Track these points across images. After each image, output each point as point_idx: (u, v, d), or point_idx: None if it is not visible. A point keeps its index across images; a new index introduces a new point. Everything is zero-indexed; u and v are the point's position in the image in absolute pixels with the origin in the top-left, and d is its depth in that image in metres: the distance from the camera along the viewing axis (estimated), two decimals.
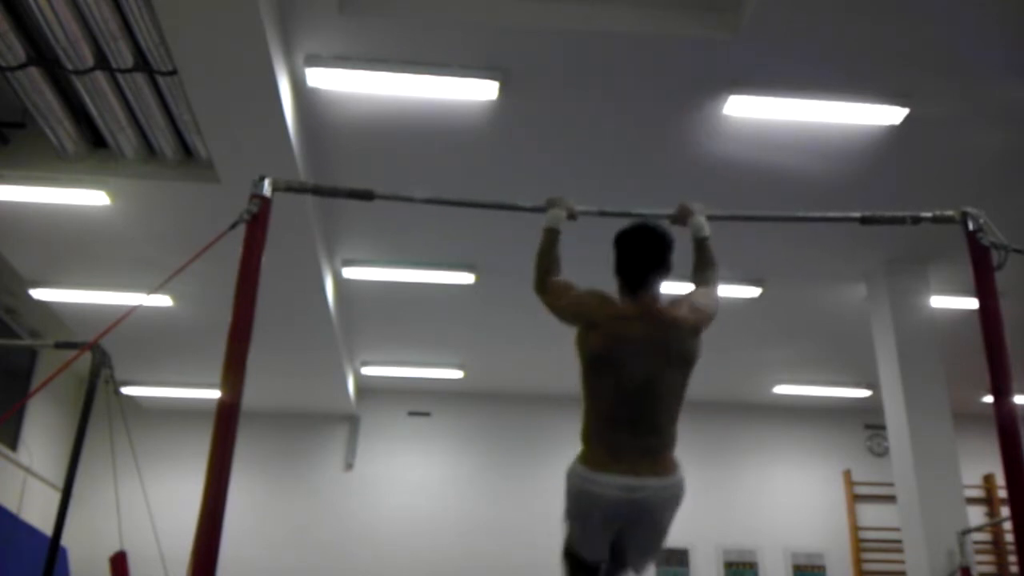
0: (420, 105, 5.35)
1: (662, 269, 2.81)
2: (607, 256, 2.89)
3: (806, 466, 10.27)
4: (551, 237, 3.00)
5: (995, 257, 2.85)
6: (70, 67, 4.72)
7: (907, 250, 6.94)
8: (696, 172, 5.92)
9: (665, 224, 2.95)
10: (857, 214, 3.15)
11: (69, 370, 3.69)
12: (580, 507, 2.72)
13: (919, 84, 5.18)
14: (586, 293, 2.85)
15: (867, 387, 9.55)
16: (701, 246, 3.06)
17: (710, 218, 3.10)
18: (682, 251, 2.92)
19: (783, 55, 4.96)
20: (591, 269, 3.05)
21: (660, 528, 2.76)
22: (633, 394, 2.68)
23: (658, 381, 2.70)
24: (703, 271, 3.02)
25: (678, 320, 2.75)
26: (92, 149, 5.71)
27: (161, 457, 9.11)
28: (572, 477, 2.73)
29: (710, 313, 2.87)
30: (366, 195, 3.07)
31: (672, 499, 2.73)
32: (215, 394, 2.53)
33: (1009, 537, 9.00)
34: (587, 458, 2.71)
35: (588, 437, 2.75)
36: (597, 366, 2.73)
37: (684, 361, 2.76)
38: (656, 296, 2.80)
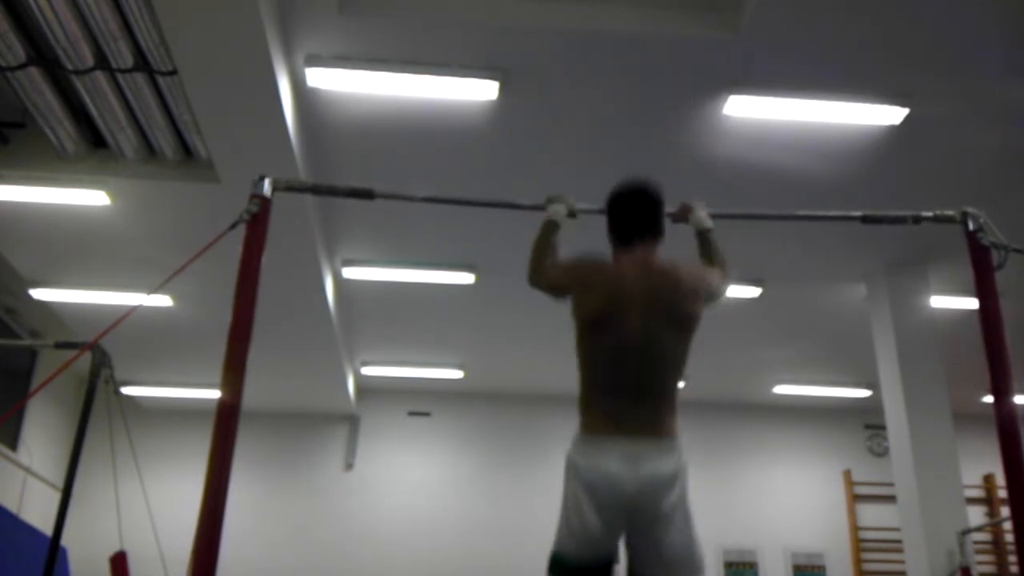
0: (420, 105, 5.35)
1: (658, 225, 2.77)
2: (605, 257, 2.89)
3: (806, 466, 10.27)
4: (550, 228, 2.95)
5: (995, 257, 2.85)
6: (70, 67, 4.72)
7: (907, 250, 6.94)
8: (696, 172, 5.92)
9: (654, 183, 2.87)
10: (858, 213, 3.15)
11: (69, 370, 3.69)
12: (578, 483, 2.50)
13: (919, 84, 5.18)
14: (580, 258, 2.77)
15: (867, 387, 9.55)
16: (705, 240, 2.99)
17: (713, 217, 3.10)
18: (685, 244, 2.92)
19: (783, 55, 4.97)
20: None
21: (668, 520, 2.48)
22: (632, 353, 2.55)
23: (657, 341, 2.57)
24: (710, 263, 2.94)
25: (678, 276, 2.66)
26: (92, 149, 5.71)
27: (161, 457, 9.11)
28: (570, 453, 2.58)
29: (712, 284, 2.75)
30: (366, 194, 3.07)
31: (676, 473, 2.51)
32: (215, 394, 2.53)
33: (1009, 537, 9.00)
34: (585, 426, 2.58)
35: (586, 405, 2.61)
36: (594, 327, 2.61)
37: (684, 321, 2.63)
38: (653, 253, 2.72)
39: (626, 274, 2.65)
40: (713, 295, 2.76)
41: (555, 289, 2.80)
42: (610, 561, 2.57)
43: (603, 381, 2.59)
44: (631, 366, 2.55)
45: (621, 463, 2.46)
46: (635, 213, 2.77)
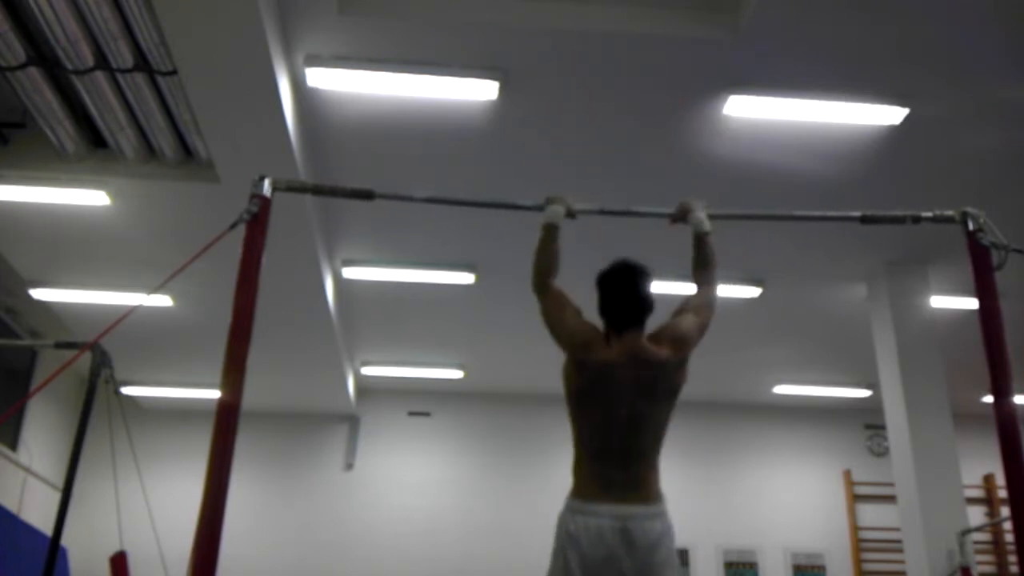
0: (420, 105, 5.35)
1: (646, 308, 2.82)
2: (605, 258, 2.89)
3: (806, 466, 10.27)
4: (551, 233, 2.99)
5: (995, 257, 2.85)
6: (70, 67, 4.72)
7: (907, 250, 6.94)
8: (696, 172, 5.92)
9: (642, 263, 2.88)
10: (858, 213, 3.15)
11: (69, 370, 3.69)
12: (569, 547, 2.63)
13: (919, 84, 5.18)
14: (582, 323, 2.85)
15: (867, 387, 9.55)
16: (701, 242, 3.03)
17: (711, 217, 3.10)
18: (682, 247, 2.91)
19: (783, 55, 4.96)
20: (591, 271, 3.02)
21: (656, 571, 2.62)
22: (619, 429, 2.71)
23: (644, 416, 2.73)
24: (703, 269, 3.03)
25: (663, 360, 2.76)
26: (92, 149, 5.71)
27: (161, 457, 9.11)
28: (562, 516, 2.71)
29: (703, 322, 2.88)
30: (366, 195, 3.06)
31: (662, 534, 2.65)
32: (215, 394, 2.53)
33: (1009, 537, 9.00)
34: (577, 490, 2.73)
35: (578, 470, 2.77)
36: (583, 402, 2.78)
37: (670, 394, 2.80)
38: (640, 335, 2.78)
39: (615, 361, 2.74)
40: (704, 327, 2.88)
41: (551, 324, 2.89)
42: None
43: (593, 451, 2.74)
44: (618, 437, 2.71)
45: (611, 522, 2.61)
46: (624, 302, 2.80)
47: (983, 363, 2.73)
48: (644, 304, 2.80)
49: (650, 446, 2.75)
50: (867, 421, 10.29)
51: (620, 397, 2.72)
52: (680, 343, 2.80)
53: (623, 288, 2.80)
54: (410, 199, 3.29)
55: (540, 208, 3.08)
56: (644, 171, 5.95)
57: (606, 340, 2.79)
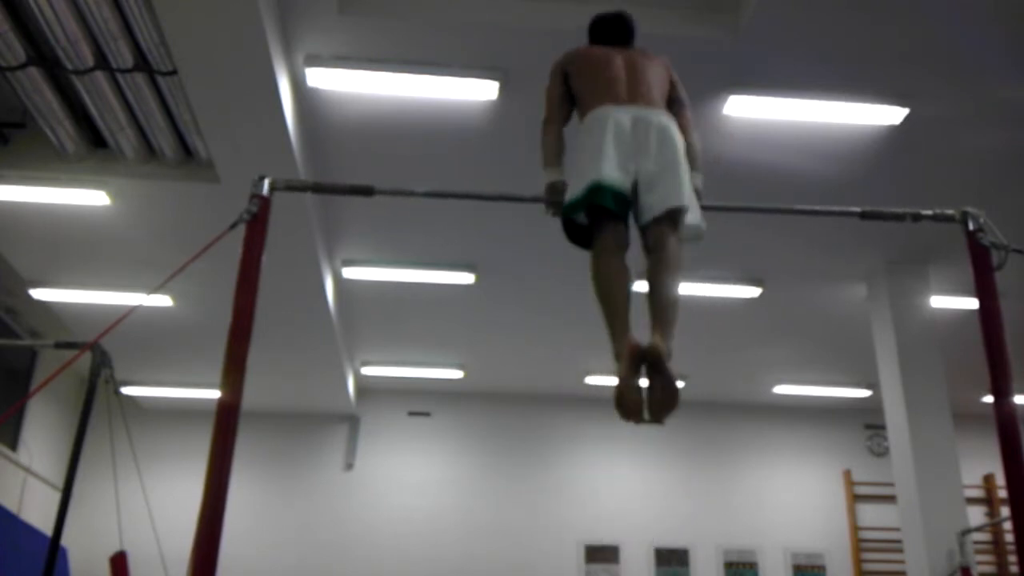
0: (420, 105, 5.35)
1: (632, 39, 3.40)
2: None
3: (806, 466, 10.27)
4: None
5: (995, 257, 2.84)
6: (70, 67, 4.72)
7: (907, 250, 6.94)
8: None
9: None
10: (858, 208, 3.14)
11: (69, 370, 3.69)
12: (588, 137, 2.92)
13: (919, 84, 5.18)
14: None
15: (867, 387, 9.55)
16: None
17: (710, 209, 3.10)
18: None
19: (783, 55, 4.97)
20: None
21: (671, 147, 2.84)
22: (620, 73, 3.07)
23: (642, 69, 3.11)
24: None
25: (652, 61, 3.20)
26: (92, 149, 5.71)
27: (161, 457, 9.12)
28: (579, 131, 3.00)
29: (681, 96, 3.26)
30: (366, 191, 3.06)
31: (670, 124, 2.92)
32: (215, 394, 2.52)
33: (1009, 537, 9.00)
34: (585, 110, 3.04)
35: (585, 106, 3.06)
36: (586, 73, 3.15)
37: (658, 70, 3.17)
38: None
39: (608, 49, 3.26)
40: (679, 92, 3.26)
41: (556, 94, 3.31)
42: (623, 209, 2.88)
43: (599, 93, 3.03)
44: (620, 78, 3.05)
45: (623, 113, 2.91)
46: (614, 28, 3.39)
47: (983, 363, 2.73)
48: (631, 30, 3.39)
49: (654, 88, 3.04)
50: (867, 421, 10.29)
51: (617, 59, 3.14)
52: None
53: (614, 19, 3.41)
54: (410, 194, 3.29)
55: (541, 200, 3.09)
56: None
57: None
